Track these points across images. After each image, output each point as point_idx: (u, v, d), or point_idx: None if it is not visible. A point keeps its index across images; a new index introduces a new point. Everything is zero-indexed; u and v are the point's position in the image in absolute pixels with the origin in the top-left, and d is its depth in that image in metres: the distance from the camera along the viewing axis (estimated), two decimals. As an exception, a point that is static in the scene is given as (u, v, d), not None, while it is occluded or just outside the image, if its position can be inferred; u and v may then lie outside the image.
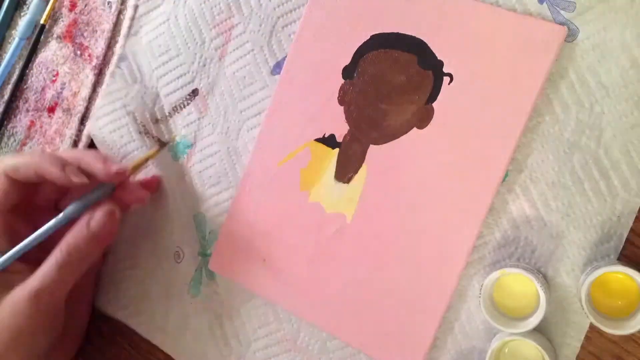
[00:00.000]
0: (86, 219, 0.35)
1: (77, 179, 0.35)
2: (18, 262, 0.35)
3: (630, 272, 0.29)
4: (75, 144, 0.44)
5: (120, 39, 0.44)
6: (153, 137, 0.41)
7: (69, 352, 0.41)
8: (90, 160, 0.36)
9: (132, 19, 0.44)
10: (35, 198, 0.39)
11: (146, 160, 0.40)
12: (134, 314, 0.42)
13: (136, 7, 0.44)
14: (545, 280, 0.32)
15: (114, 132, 0.43)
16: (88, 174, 0.36)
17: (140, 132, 0.43)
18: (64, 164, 0.35)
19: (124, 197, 0.38)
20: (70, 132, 0.44)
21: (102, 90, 0.44)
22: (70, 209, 0.36)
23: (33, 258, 0.35)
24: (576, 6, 0.31)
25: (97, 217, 0.35)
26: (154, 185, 0.41)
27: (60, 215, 0.35)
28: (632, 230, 0.31)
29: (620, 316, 0.30)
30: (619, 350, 0.31)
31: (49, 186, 0.38)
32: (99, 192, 0.36)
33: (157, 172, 0.42)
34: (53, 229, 0.35)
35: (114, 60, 0.44)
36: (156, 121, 0.42)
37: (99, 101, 0.44)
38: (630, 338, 0.31)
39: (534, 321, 0.30)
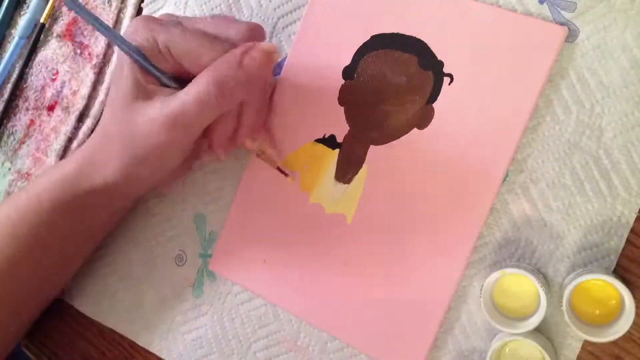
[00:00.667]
0: (239, 53, 0.31)
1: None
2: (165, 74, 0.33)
3: (610, 279, 0.29)
4: (69, 140, 0.44)
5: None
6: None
7: (182, 174, 0.40)
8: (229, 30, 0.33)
9: (133, 18, 0.44)
10: None
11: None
12: (129, 323, 0.42)
13: (137, 7, 0.44)
14: (546, 280, 0.32)
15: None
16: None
17: None
18: (239, 61, 0.31)
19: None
20: (65, 128, 0.44)
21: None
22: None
23: (180, 77, 0.33)
24: (577, 6, 0.32)
25: (253, 54, 0.31)
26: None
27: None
28: (632, 230, 0.31)
29: (602, 322, 0.30)
30: (618, 350, 0.31)
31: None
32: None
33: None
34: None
35: (114, 59, 0.44)
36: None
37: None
38: (630, 338, 0.31)
39: (534, 321, 0.30)
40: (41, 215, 0.35)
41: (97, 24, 0.33)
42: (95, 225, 0.38)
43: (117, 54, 0.34)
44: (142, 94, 0.33)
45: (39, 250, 0.36)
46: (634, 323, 0.30)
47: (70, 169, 0.35)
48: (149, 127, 0.32)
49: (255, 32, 0.34)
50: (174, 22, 0.34)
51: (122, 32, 0.44)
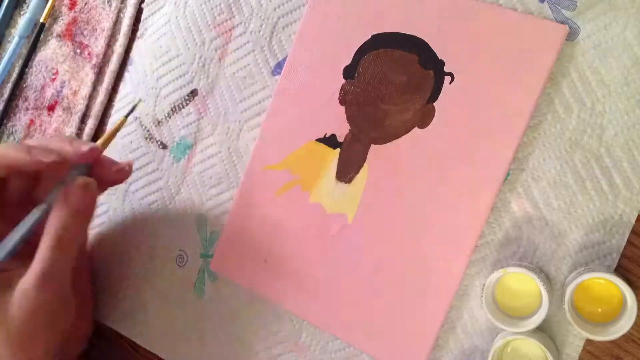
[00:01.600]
0: (63, 198, 0.34)
1: (46, 159, 0.33)
2: (10, 260, 0.34)
3: (612, 278, 0.29)
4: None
5: (121, 38, 0.44)
6: (157, 142, 0.41)
7: (83, 338, 0.40)
8: (57, 144, 0.35)
9: (133, 18, 0.44)
10: (5, 194, 0.37)
11: (115, 133, 0.38)
12: (131, 325, 0.42)
13: (137, 7, 0.44)
14: (547, 279, 0.32)
15: (124, 138, 0.43)
16: (58, 161, 0.34)
17: (145, 138, 0.42)
18: (29, 149, 0.34)
19: (102, 175, 0.37)
20: (70, 130, 0.44)
21: (118, 95, 0.44)
22: (51, 196, 0.34)
23: (20, 254, 0.34)
24: (577, 5, 0.32)
25: (74, 192, 0.34)
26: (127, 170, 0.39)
27: (43, 204, 0.34)
28: (632, 230, 0.31)
29: (604, 321, 0.30)
30: (618, 350, 0.31)
31: (18, 178, 0.37)
32: (74, 174, 0.35)
33: (158, 173, 0.42)
34: (39, 219, 0.34)
35: (114, 59, 0.43)
36: (158, 123, 0.42)
37: (116, 105, 0.44)
38: (630, 338, 0.31)
39: (536, 320, 0.30)
40: None
41: None
42: None
43: None
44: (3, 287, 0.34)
45: None
46: (634, 323, 0.30)
47: None
48: (19, 304, 0.33)
49: (92, 153, 0.35)
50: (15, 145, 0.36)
51: (122, 32, 0.43)
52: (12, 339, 0.33)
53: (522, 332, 0.31)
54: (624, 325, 0.29)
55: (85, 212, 0.35)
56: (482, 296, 0.31)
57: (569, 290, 0.29)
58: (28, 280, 0.33)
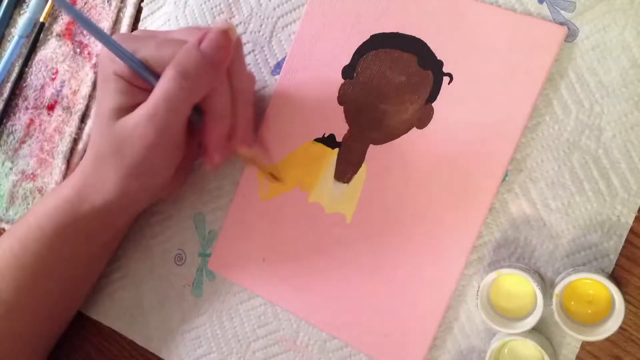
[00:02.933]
0: (197, 38, 0.32)
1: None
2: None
3: (600, 278, 0.29)
4: (75, 142, 0.44)
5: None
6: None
7: (179, 183, 0.40)
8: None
9: (133, 17, 0.44)
10: None
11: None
12: (129, 324, 0.42)
13: (137, 7, 0.44)
14: (543, 280, 0.32)
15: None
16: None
17: None
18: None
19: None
20: (70, 129, 0.44)
21: None
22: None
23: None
24: (576, 6, 0.32)
25: (210, 36, 0.32)
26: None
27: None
28: (631, 230, 0.31)
29: (594, 321, 0.30)
30: (617, 350, 0.31)
31: None
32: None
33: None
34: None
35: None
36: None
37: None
38: (630, 338, 0.31)
39: (531, 321, 0.30)
40: (44, 243, 0.35)
41: (94, 30, 0.32)
42: (98, 246, 0.39)
43: (99, 70, 0.34)
44: (125, 112, 0.33)
45: (46, 278, 0.37)
46: (633, 323, 0.30)
47: (68, 193, 0.35)
48: (133, 133, 0.32)
49: (227, 34, 0.33)
50: (149, 35, 0.35)
51: (122, 32, 0.44)
52: (125, 167, 0.33)
53: (518, 333, 0.31)
54: (611, 326, 0.29)
55: (217, 62, 0.32)
56: (477, 298, 0.31)
57: (556, 290, 0.30)
58: (139, 117, 0.32)
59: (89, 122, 0.44)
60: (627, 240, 0.31)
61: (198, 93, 0.32)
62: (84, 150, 0.43)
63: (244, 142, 0.35)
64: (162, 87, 0.32)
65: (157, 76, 0.33)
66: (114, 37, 0.33)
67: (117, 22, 0.44)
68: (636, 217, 0.31)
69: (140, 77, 0.33)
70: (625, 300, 0.30)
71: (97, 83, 0.35)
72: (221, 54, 0.32)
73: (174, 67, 0.31)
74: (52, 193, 0.37)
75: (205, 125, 0.34)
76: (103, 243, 0.39)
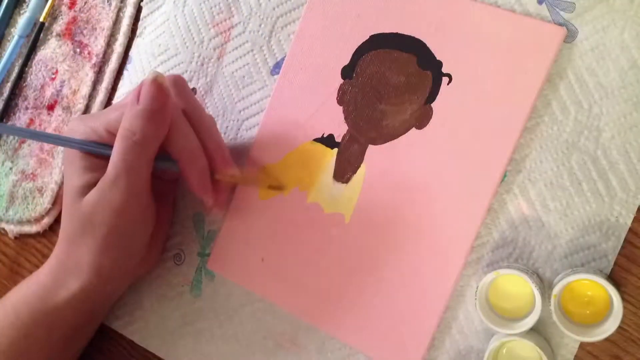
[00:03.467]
0: (134, 97, 0.33)
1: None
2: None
3: (598, 279, 0.29)
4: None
5: (120, 37, 0.44)
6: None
7: (152, 259, 0.40)
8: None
9: (132, 17, 0.44)
10: None
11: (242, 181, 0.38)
12: (128, 323, 0.42)
13: (137, 6, 0.44)
14: (541, 280, 0.32)
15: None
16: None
17: None
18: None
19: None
20: (69, 130, 0.44)
21: (116, 93, 0.44)
22: None
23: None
24: (575, 7, 0.32)
25: (142, 90, 0.33)
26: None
27: None
28: (630, 229, 0.31)
29: (592, 322, 0.30)
30: (617, 350, 0.31)
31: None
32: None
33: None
34: None
35: (114, 58, 0.44)
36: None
37: (114, 104, 0.44)
38: (630, 338, 0.31)
39: (529, 322, 0.30)
40: (20, 330, 0.35)
41: (38, 136, 0.34)
42: (75, 332, 0.38)
43: (64, 155, 0.36)
44: (95, 183, 0.34)
45: None
46: (633, 323, 0.30)
47: (43, 279, 0.36)
48: (100, 203, 0.33)
49: (177, 84, 0.35)
50: (105, 110, 0.36)
51: (122, 32, 0.44)
52: (97, 241, 0.34)
53: (516, 334, 0.31)
54: (610, 327, 0.29)
55: (157, 113, 0.33)
56: (475, 298, 0.31)
57: (554, 291, 0.30)
58: (104, 180, 0.33)
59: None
60: (626, 240, 0.31)
61: (151, 144, 0.33)
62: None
63: (226, 167, 0.36)
64: (116, 150, 0.33)
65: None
66: (71, 121, 0.36)
67: (117, 22, 0.44)
68: (635, 217, 0.31)
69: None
70: (625, 300, 0.30)
71: (63, 164, 0.36)
72: (158, 101, 0.33)
73: (121, 129, 0.33)
74: (29, 279, 0.37)
75: (182, 169, 0.34)
76: (80, 328, 0.38)
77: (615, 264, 0.31)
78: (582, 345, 0.32)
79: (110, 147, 0.33)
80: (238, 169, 0.36)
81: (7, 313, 0.36)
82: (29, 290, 0.36)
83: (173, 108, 0.34)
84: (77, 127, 0.35)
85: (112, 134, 0.34)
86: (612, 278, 0.31)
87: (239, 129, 0.40)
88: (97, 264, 0.34)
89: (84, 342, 0.40)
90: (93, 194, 0.33)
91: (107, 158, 0.34)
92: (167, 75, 0.34)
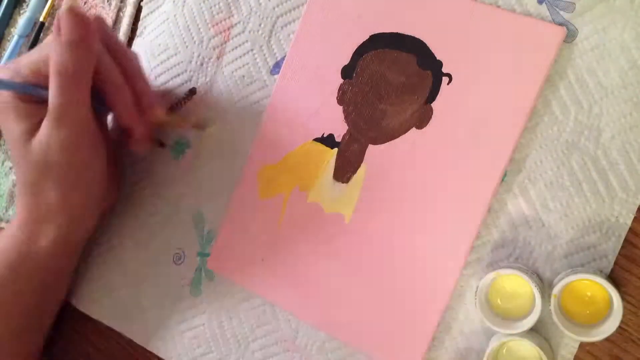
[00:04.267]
0: (55, 33, 0.33)
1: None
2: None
3: (598, 279, 0.29)
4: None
5: (120, 37, 0.44)
6: (155, 141, 0.41)
7: (116, 190, 0.41)
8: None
9: (132, 16, 0.44)
10: None
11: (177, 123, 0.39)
12: (127, 322, 0.42)
13: (137, 6, 0.44)
14: (541, 280, 0.32)
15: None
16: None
17: None
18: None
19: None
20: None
21: None
22: None
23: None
24: (575, 7, 0.32)
25: (61, 22, 0.32)
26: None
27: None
28: (630, 229, 0.31)
29: (592, 322, 0.30)
30: (617, 350, 0.31)
31: None
32: None
33: (156, 170, 0.42)
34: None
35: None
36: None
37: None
38: (629, 338, 0.31)
39: (529, 322, 0.30)
40: None
41: None
42: (54, 279, 0.39)
43: None
44: (33, 132, 0.34)
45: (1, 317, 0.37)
46: (633, 323, 0.30)
47: (17, 233, 0.36)
48: (50, 143, 0.33)
49: (71, 10, 0.34)
50: (17, 59, 0.36)
51: (122, 32, 0.44)
52: (59, 180, 0.34)
53: (516, 334, 0.31)
54: (610, 327, 0.29)
55: (82, 41, 0.33)
56: (475, 298, 0.31)
57: (554, 291, 0.30)
58: (47, 119, 0.33)
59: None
60: (626, 240, 0.31)
61: (85, 74, 0.33)
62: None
63: (153, 108, 0.37)
64: (54, 86, 0.33)
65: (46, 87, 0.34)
66: None
67: (117, 21, 0.44)
68: (635, 217, 0.31)
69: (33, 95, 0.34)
70: (625, 300, 0.30)
71: None
72: (80, 29, 0.33)
73: (53, 64, 0.33)
74: (1, 234, 0.37)
75: (108, 100, 0.35)
76: (58, 274, 0.39)
77: (615, 263, 0.31)
78: (582, 346, 0.32)
79: (40, 86, 0.33)
80: (162, 110, 0.37)
81: None
82: (1, 245, 0.36)
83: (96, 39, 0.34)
84: (6, 71, 0.35)
85: (36, 74, 0.34)
86: (612, 278, 0.31)
87: (238, 128, 0.40)
88: (67, 204, 0.34)
89: (62, 293, 0.41)
90: (40, 136, 0.33)
91: (36, 101, 0.34)
92: (67, 2, 0.35)
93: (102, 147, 0.36)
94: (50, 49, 0.33)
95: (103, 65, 0.34)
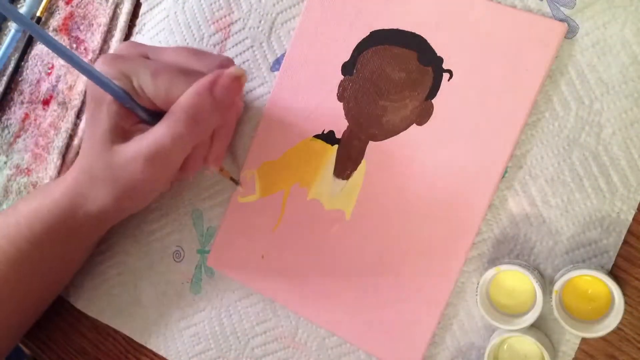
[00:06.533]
0: (209, 82, 0.31)
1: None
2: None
3: (600, 275, 0.29)
4: (70, 138, 0.44)
5: (117, 33, 0.43)
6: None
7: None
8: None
9: (130, 13, 0.43)
10: None
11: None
12: (127, 320, 0.41)
13: (134, 3, 0.43)
14: (542, 276, 0.32)
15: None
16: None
17: None
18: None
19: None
20: (66, 125, 0.44)
21: None
22: None
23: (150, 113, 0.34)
24: (576, 3, 0.32)
25: (222, 82, 0.31)
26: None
27: None
28: (629, 231, 0.31)
29: (593, 318, 0.30)
30: (612, 349, 0.31)
31: None
32: None
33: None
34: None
35: (111, 54, 0.43)
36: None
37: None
38: (625, 337, 0.31)
39: (530, 318, 0.30)
40: (33, 244, 0.36)
41: (78, 64, 0.31)
42: (86, 247, 0.40)
43: (90, 90, 0.34)
44: (120, 135, 0.33)
45: (30, 273, 0.37)
46: (629, 322, 0.30)
47: (60, 198, 0.35)
48: (131, 167, 0.33)
49: (224, 66, 0.34)
50: (141, 58, 0.34)
51: (119, 28, 0.43)
52: (120, 191, 0.34)
53: (517, 330, 0.31)
54: (611, 322, 0.29)
55: (226, 107, 0.32)
56: (476, 294, 0.31)
57: (556, 287, 0.30)
58: (138, 151, 0.32)
59: (84, 119, 0.44)
60: (624, 241, 0.31)
61: (203, 136, 0.33)
62: (80, 146, 0.43)
63: (216, 165, 0.37)
64: (172, 129, 0.32)
65: (144, 108, 0.33)
66: (101, 58, 0.33)
67: (113, 18, 0.43)
68: (634, 217, 0.31)
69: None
70: (622, 299, 0.30)
71: (87, 104, 0.34)
72: (231, 99, 0.33)
73: (185, 110, 0.31)
74: (40, 194, 0.37)
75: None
76: (93, 242, 0.40)
77: (613, 264, 0.31)
78: (579, 344, 0.31)
79: (142, 108, 0.33)
80: (219, 167, 0.37)
81: (20, 226, 0.36)
82: (41, 205, 0.36)
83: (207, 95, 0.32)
84: (112, 71, 0.33)
85: (145, 94, 0.33)
86: (613, 274, 0.31)
87: (239, 125, 0.40)
88: (117, 204, 0.35)
89: (89, 252, 0.41)
90: (126, 152, 0.32)
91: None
92: (217, 56, 0.34)
93: (170, 180, 0.36)
94: (192, 91, 0.32)
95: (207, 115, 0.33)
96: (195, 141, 0.33)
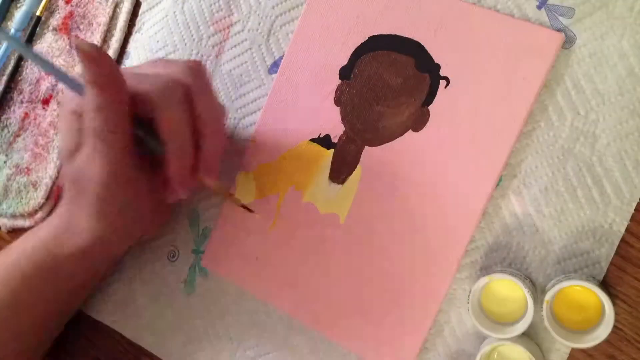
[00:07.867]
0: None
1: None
2: None
3: (590, 286, 0.29)
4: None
5: (117, 33, 0.43)
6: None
7: (158, 221, 0.40)
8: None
9: (129, 13, 0.43)
10: None
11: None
12: (122, 319, 0.42)
13: (134, 2, 0.43)
14: (534, 285, 0.32)
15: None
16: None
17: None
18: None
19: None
20: (64, 125, 0.44)
21: None
22: None
23: None
24: (575, 13, 0.32)
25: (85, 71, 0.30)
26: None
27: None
28: (627, 229, 0.31)
29: (584, 328, 0.30)
30: (612, 349, 0.31)
31: None
32: None
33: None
34: None
35: (110, 54, 0.43)
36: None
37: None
38: (625, 338, 0.31)
39: (521, 326, 0.31)
40: (23, 282, 0.36)
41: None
42: (78, 286, 0.39)
43: (59, 108, 0.34)
44: (78, 146, 0.32)
45: (22, 313, 0.37)
46: (629, 322, 0.31)
47: (46, 236, 0.36)
48: (83, 172, 0.32)
49: (193, 69, 0.33)
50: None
51: (118, 28, 0.43)
52: (90, 205, 0.33)
53: (508, 338, 0.31)
54: (601, 333, 0.29)
55: (107, 90, 0.30)
56: (468, 302, 0.31)
57: (547, 297, 0.30)
58: (83, 151, 0.32)
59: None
60: (622, 240, 0.31)
61: (110, 111, 0.31)
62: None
63: (209, 175, 0.34)
64: (86, 119, 0.31)
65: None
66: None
67: (113, 17, 0.44)
68: (632, 216, 0.31)
69: None
70: (619, 299, 0.30)
71: (58, 118, 0.34)
72: (99, 67, 0.30)
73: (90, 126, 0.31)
74: (31, 233, 0.37)
75: (166, 156, 0.32)
76: (82, 282, 0.39)
77: (610, 263, 0.31)
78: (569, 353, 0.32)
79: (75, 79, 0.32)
80: (216, 182, 0.35)
81: (12, 265, 0.36)
82: (29, 244, 0.36)
83: (171, 93, 0.32)
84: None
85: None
86: (605, 284, 0.31)
87: (235, 127, 0.40)
88: (95, 229, 0.34)
89: (85, 295, 0.41)
90: (78, 162, 0.32)
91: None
92: (185, 60, 0.33)
93: (139, 191, 0.34)
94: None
95: (176, 124, 0.32)
96: (108, 126, 0.31)
